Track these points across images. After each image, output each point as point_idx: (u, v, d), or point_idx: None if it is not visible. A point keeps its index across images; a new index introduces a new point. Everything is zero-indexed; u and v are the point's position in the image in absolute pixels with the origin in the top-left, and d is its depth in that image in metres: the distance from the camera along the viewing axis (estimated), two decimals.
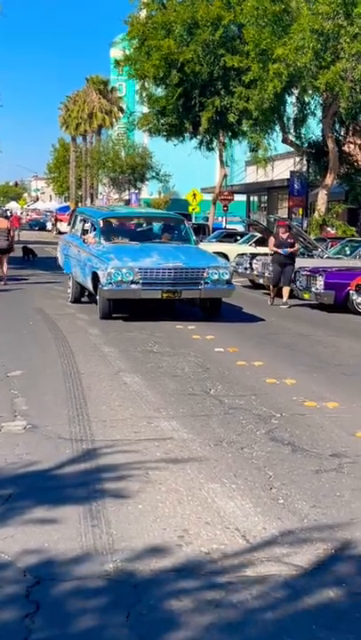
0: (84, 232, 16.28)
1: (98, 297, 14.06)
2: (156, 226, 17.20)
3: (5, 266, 20.05)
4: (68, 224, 19.51)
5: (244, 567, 4.25)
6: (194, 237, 16.42)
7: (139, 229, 17.01)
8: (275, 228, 23.04)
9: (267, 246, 23.29)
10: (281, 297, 17.82)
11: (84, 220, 16.73)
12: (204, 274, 13.92)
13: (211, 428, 7.02)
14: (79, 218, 17.41)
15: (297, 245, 18.40)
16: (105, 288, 13.61)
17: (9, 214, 25.09)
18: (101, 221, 15.70)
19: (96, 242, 15.08)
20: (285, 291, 17.79)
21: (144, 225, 17.47)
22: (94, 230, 15.55)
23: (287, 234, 18.15)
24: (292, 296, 18.75)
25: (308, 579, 4.17)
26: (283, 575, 4.19)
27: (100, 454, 6.15)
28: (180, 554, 4.40)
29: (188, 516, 4.95)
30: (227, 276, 14.12)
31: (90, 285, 14.66)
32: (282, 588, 4.06)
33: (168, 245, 15.22)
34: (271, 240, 18.42)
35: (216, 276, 13.98)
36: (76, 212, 19.29)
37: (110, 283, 13.54)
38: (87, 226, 16.35)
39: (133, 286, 13.64)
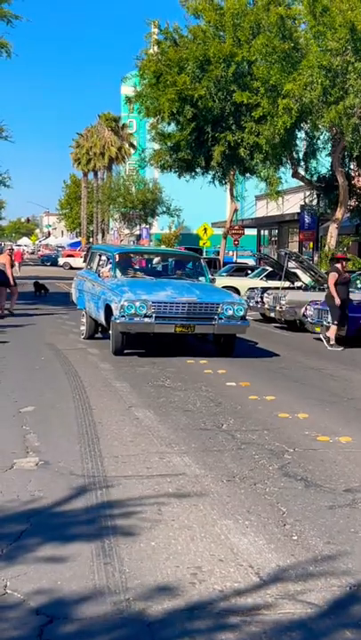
0: (100, 267, 16.32)
1: (110, 330, 14.03)
2: (172, 262, 17.24)
3: (4, 299, 21.04)
4: (84, 261, 19.63)
5: (258, 605, 4.21)
6: (209, 276, 16.37)
7: (154, 266, 17.07)
8: (283, 261, 23.12)
9: (277, 280, 23.37)
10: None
11: (100, 256, 16.76)
12: (219, 309, 13.80)
13: (223, 463, 6.99)
14: (95, 254, 17.43)
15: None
16: (118, 321, 13.52)
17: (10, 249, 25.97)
18: (117, 255, 15.78)
19: (111, 275, 15.11)
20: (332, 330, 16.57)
21: (160, 261, 17.50)
22: (110, 264, 15.61)
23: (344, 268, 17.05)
24: (303, 330, 18.76)
25: (323, 617, 4.13)
26: (297, 614, 4.15)
27: (113, 490, 6.13)
28: (193, 592, 4.37)
29: (202, 553, 4.91)
30: (241, 312, 13.97)
31: (102, 319, 14.64)
32: (296, 627, 4.02)
33: (183, 281, 15.21)
34: (334, 276, 16.87)
35: (230, 312, 13.85)
36: (91, 249, 19.38)
37: (123, 315, 13.46)
38: (103, 261, 16.37)
39: (146, 319, 13.53)
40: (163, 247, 36.65)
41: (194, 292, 14.21)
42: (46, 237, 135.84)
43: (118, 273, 15.13)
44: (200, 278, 15.80)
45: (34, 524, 5.37)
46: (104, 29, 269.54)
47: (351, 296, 19.38)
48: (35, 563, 4.71)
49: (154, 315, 13.55)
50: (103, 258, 16.40)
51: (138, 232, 71.12)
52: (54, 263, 74.83)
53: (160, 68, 30.50)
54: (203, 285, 15.20)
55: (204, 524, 5.42)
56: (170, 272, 16.55)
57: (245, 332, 14.57)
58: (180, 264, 16.96)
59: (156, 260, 18.02)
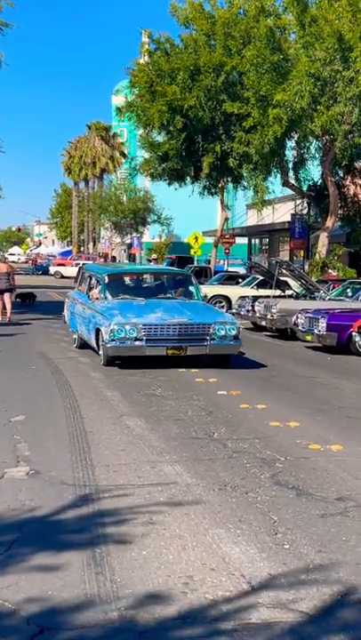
0: (90, 289, 16.03)
1: (100, 352, 13.86)
2: (163, 281, 16.94)
3: (8, 305, 22.14)
4: (76, 281, 19.27)
5: (250, 614, 4.21)
6: (201, 294, 16.08)
7: (144, 285, 16.88)
8: (273, 270, 23.19)
9: (268, 288, 23.42)
10: None
11: (91, 277, 16.45)
12: (210, 329, 13.62)
13: (215, 472, 6.99)
14: (86, 274, 17.11)
15: None
16: (108, 345, 13.34)
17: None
18: (107, 277, 15.48)
19: (101, 298, 14.91)
20: None
21: (150, 280, 17.27)
22: (100, 286, 15.35)
23: None
24: (294, 338, 18.78)
25: (314, 625, 4.13)
26: (289, 622, 4.15)
27: (104, 499, 6.13)
28: (184, 601, 4.36)
29: (193, 562, 4.91)
30: (234, 332, 13.79)
31: (94, 343, 14.38)
32: (288, 634, 4.02)
33: (174, 301, 14.99)
34: None
35: (223, 332, 13.68)
36: (82, 268, 19.08)
37: (113, 339, 13.27)
38: (93, 282, 16.03)
39: (137, 343, 13.36)
40: (154, 256, 36.56)
41: (185, 312, 14.05)
42: (37, 246, 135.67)
43: (108, 295, 14.88)
44: (191, 294, 15.56)
45: (25, 534, 5.36)
46: (95, 39, 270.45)
47: (342, 304, 19.48)
48: (26, 572, 4.69)
49: (144, 338, 13.38)
50: (93, 280, 16.08)
51: (129, 241, 71.20)
52: (45, 272, 74.72)
53: (151, 79, 30.60)
54: (194, 305, 14.98)
55: (196, 533, 5.41)
56: (161, 291, 16.17)
57: (238, 351, 14.37)
58: (170, 283, 16.67)
59: (146, 278, 17.69)
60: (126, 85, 33.40)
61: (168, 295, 15.66)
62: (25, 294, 29.35)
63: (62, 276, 62.89)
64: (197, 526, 5.56)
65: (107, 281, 15.29)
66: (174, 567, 4.82)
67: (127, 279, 17.02)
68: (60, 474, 6.79)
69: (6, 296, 22.15)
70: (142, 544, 5.19)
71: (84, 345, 16.11)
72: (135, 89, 31.76)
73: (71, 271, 59.27)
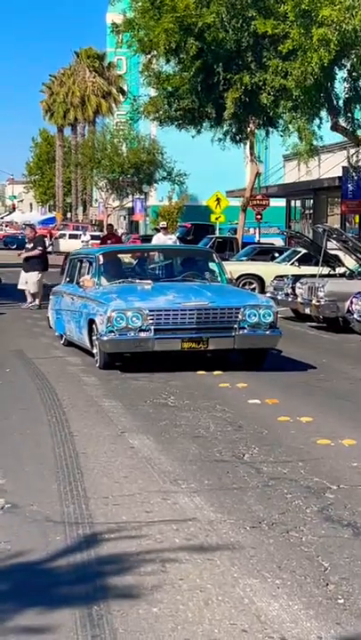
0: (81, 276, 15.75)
1: (96, 352, 13.70)
2: (176, 262, 16.74)
3: None
4: (61, 273, 18.88)
5: None
6: (226, 275, 15.63)
7: (151, 267, 16.71)
8: (320, 241, 23.17)
9: (313, 265, 23.38)
10: None
11: (81, 261, 16.27)
12: (239, 315, 13.44)
13: (246, 505, 7.02)
14: (75, 262, 16.82)
15: None
16: (105, 338, 13.10)
17: None
18: (100, 256, 15.37)
19: (94, 283, 14.69)
20: None
21: (159, 260, 17.09)
22: (92, 269, 15.18)
23: None
24: (347, 330, 18.78)
25: None
26: None
27: (102, 542, 6.17)
28: None
29: (219, 621, 4.94)
30: (270, 319, 13.58)
31: (86, 340, 14.24)
32: None
33: (190, 283, 14.81)
34: None
35: (255, 319, 13.48)
36: (69, 256, 18.69)
37: (112, 330, 13.03)
38: (84, 268, 15.83)
39: (143, 335, 13.16)
40: (163, 223, 36.51)
41: (204, 294, 13.89)
42: (10, 212, 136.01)
43: (103, 280, 14.75)
44: (213, 275, 15.45)
45: (2, 585, 5.41)
46: None
47: None
48: (4, 635, 4.74)
49: (152, 327, 13.18)
50: (85, 264, 15.92)
51: (130, 204, 71.34)
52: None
53: None
54: (216, 286, 14.88)
55: (222, 585, 5.45)
56: (173, 274, 16.06)
57: (277, 344, 14.26)
58: (186, 263, 16.53)
59: (153, 258, 17.44)
60: None
61: (181, 278, 15.43)
62: None
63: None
64: (224, 575, 5.60)
65: (101, 261, 15.13)
66: (194, 628, 4.86)
67: (127, 259, 16.89)
68: (45, 508, 6.85)
69: None
70: (153, 599, 5.22)
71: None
72: (137, 2, 31.67)
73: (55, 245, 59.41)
